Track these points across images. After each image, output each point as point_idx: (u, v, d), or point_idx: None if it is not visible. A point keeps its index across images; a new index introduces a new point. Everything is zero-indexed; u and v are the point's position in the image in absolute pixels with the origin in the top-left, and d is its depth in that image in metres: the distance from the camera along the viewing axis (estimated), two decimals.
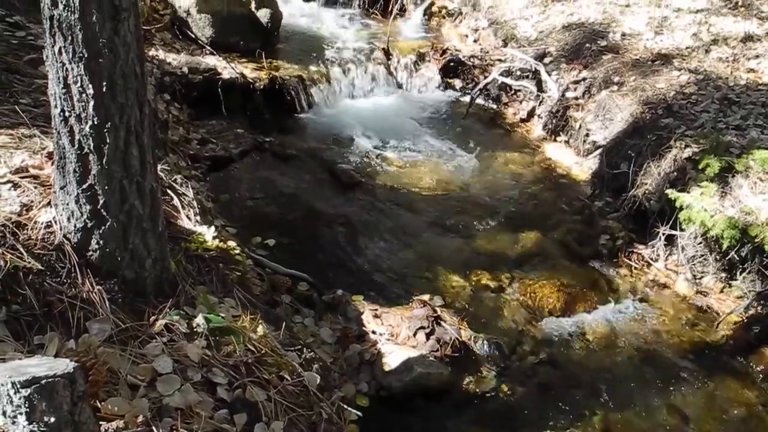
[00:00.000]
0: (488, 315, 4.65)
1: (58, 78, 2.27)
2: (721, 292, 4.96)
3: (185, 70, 6.53)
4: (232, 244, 3.68)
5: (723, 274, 4.96)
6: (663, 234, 5.21)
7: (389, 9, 10.15)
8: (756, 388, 4.22)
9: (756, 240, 4.45)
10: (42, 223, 2.60)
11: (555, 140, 7.29)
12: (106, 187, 2.46)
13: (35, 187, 2.81)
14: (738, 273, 4.88)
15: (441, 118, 7.76)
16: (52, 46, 2.24)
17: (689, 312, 4.83)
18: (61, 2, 2.14)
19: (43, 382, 1.48)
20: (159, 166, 3.36)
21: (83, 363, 1.91)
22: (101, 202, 2.48)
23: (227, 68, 6.84)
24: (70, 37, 2.19)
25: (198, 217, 3.74)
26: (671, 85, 6.46)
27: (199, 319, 2.72)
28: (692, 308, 4.86)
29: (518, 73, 7.92)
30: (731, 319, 4.69)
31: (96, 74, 2.26)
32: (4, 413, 1.50)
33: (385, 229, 5.49)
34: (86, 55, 2.22)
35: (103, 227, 2.53)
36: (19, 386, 1.46)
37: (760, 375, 4.32)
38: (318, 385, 2.94)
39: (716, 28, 7.53)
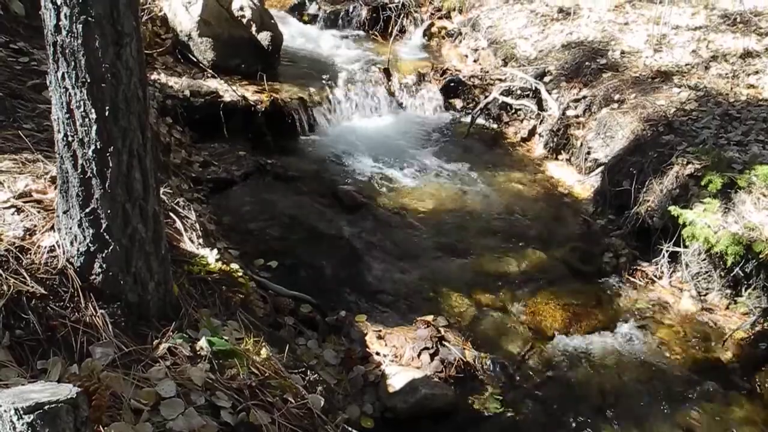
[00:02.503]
0: (492, 335, 4.62)
1: (62, 103, 2.29)
2: (727, 308, 4.93)
3: (187, 93, 6.58)
4: (234, 266, 3.67)
5: (728, 291, 4.94)
6: (667, 251, 5.20)
7: (389, 30, 10.26)
8: (764, 405, 4.17)
9: (761, 256, 4.44)
10: (45, 248, 2.60)
11: (556, 158, 7.31)
12: (109, 211, 2.46)
13: (38, 212, 2.81)
14: (743, 289, 4.87)
15: (442, 138, 7.78)
16: (56, 72, 2.25)
17: (695, 329, 4.79)
18: (64, 28, 2.16)
19: (46, 407, 1.47)
20: (161, 189, 3.37)
21: (86, 388, 1.90)
22: (104, 225, 2.48)
23: (229, 91, 6.89)
24: (73, 63, 2.20)
25: (201, 240, 3.74)
26: (671, 102, 6.49)
27: (203, 342, 2.70)
28: (698, 325, 4.83)
29: (518, 92, 7.97)
30: (738, 336, 4.66)
31: (99, 99, 2.27)
32: None
33: (387, 250, 5.47)
34: (89, 80, 2.23)
35: (106, 251, 2.53)
36: (22, 412, 1.45)
37: None
38: (322, 408, 2.92)
39: (715, 45, 7.59)
